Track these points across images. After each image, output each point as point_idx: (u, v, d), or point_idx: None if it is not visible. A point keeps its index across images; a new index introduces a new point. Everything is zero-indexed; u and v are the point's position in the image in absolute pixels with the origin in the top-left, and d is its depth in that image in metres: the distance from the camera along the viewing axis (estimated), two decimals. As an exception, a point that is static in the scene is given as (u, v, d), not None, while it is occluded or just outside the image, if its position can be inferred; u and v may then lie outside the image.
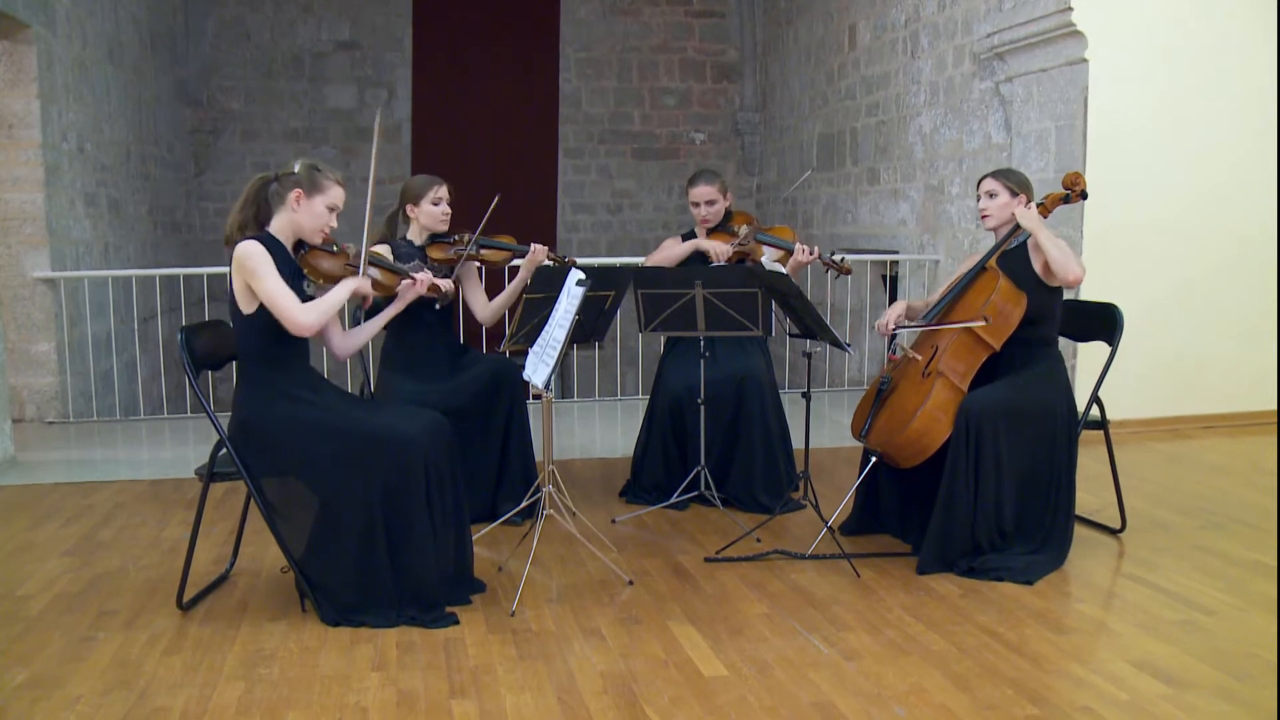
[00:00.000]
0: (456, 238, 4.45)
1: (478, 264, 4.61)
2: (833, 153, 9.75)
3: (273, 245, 3.38)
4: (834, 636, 3.26)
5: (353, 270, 3.54)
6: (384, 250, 4.28)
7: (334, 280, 3.49)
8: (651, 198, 12.38)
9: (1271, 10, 6.10)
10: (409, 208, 4.41)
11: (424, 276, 3.79)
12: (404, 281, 3.76)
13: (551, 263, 4.46)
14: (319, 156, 11.41)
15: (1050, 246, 3.82)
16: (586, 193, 12.32)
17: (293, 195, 3.40)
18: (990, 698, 2.84)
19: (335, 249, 3.55)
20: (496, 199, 4.38)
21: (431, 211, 4.39)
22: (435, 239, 4.45)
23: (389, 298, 3.86)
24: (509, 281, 4.56)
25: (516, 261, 4.53)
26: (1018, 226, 3.96)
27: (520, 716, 2.76)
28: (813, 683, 2.94)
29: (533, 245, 4.47)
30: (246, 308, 3.36)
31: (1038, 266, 3.91)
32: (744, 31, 11.97)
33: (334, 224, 3.50)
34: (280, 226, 3.44)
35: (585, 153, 12.27)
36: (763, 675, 2.99)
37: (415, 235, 4.44)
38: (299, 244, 3.50)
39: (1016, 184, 3.99)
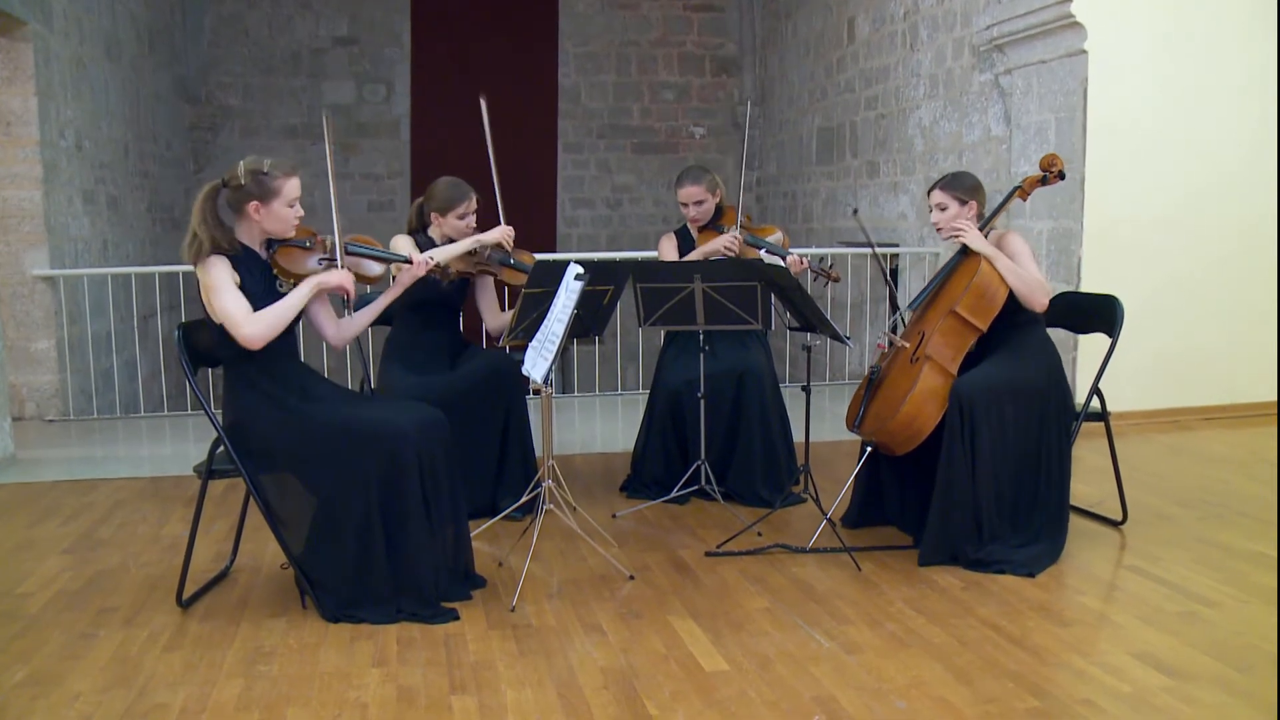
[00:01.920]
0: (476, 250, 4.45)
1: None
2: (832, 146, 9.74)
3: (242, 255, 3.37)
4: (835, 630, 3.25)
5: (328, 263, 3.50)
6: (405, 243, 4.29)
7: (304, 278, 3.45)
8: (651, 192, 12.37)
9: (1270, 2, 6.08)
10: (434, 215, 4.41)
11: (419, 257, 3.76)
12: (398, 266, 3.74)
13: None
14: (319, 153, 11.44)
15: (1011, 275, 3.83)
16: (586, 187, 12.31)
17: (250, 208, 3.35)
18: (991, 690, 2.83)
19: (308, 243, 3.50)
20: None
21: (456, 225, 4.41)
22: None
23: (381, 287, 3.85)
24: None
25: None
26: (988, 220, 3.98)
27: (521, 712, 2.76)
28: (814, 677, 2.93)
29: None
30: (215, 317, 3.34)
31: (1009, 252, 3.91)
32: (743, 25, 11.95)
33: (301, 213, 3.45)
34: (246, 232, 3.42)
35: (584, 147, 12.26)
36: (764, 670, 2.98)
37: (436, 236, 4.45)
38: (269, 242, 3.47)
39: (965, 191, 3.99)
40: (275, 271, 3.44)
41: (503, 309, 4.67)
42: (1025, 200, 4.11)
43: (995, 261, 3.83)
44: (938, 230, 4.06)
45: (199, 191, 3.35)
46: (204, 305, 3.34)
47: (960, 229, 3.94)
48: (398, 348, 4.45)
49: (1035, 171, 4.17)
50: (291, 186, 3.39)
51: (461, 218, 4.39)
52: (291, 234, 3.46)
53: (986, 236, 3.96)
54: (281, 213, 3.38)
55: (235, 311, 3.24)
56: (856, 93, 9.17)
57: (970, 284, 3.82)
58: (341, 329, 3.70)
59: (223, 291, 3.26)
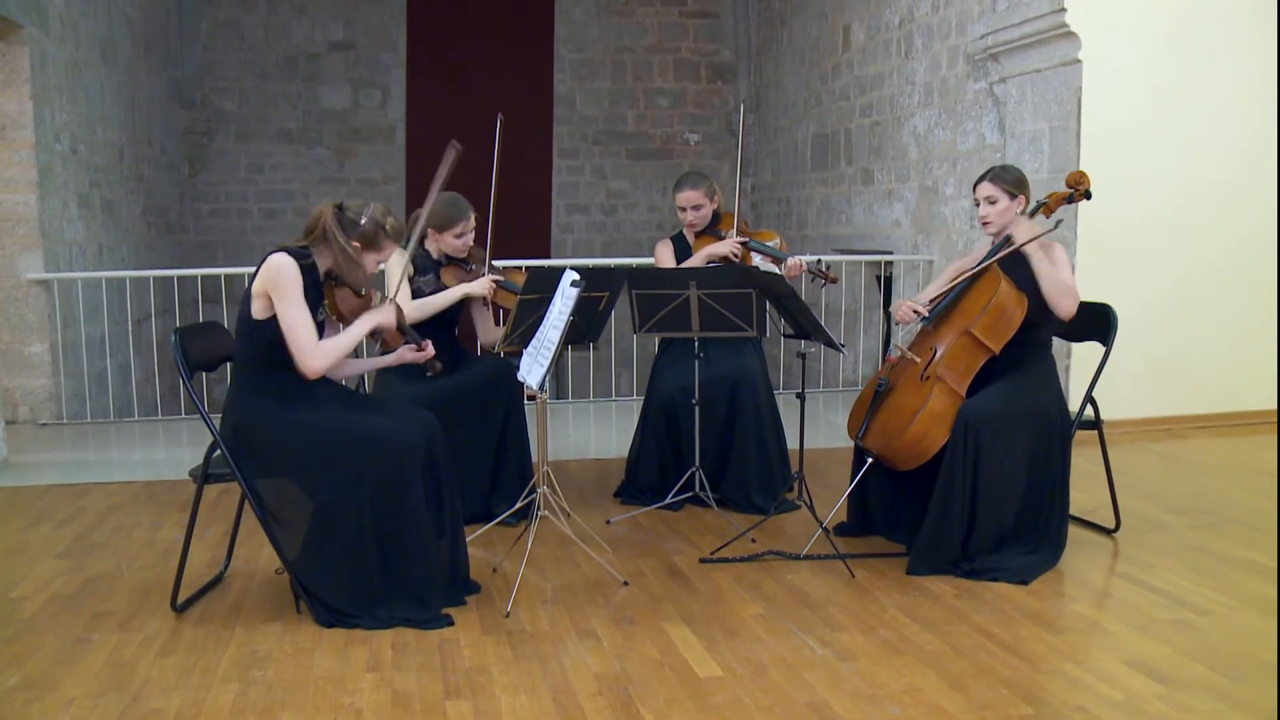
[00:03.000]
0: (473, 267, 4.45)
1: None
2: (827, 153, 9.76)
3: (306, 265, 3.39)
4: (829, 637, 3.26)
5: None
6: (398, 259, 4.30)
7: (343, 320, 3.50)
8: (646, 198, 12.38)
9: (1268, 11, 6.12)
10: (431, 231, 4.39)
11: (430, 350, 3.78)
12: (408, 344, 3.76)
13: None
14: (315, 158, 11.46)
15: (1046, 275, 3.80)
16: (581, 193, 12.33)
17: (352, 245, 3.39)
18: (985, 697, 2.84)
19: (363, 292, 3.54)
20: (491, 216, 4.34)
21: (454, 244, 4.40)
22: (450, 261, 4.46)
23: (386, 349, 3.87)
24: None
25: None
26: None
27: (515, 717, 2.76)
28: (808, 683, 2.94)
29: None
30: (260, 313, 3.34)
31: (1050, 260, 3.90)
32: (738, 32, 11.97)
33: (375, 270, 3.54)
34: (322, 253, 3.43)
35: (579, 153, 12.27)
36: (758, 676, 2.99)
37: (433, 251, 4.44)
38: (329, 273, 3.49)
39: (1014, 184, 3.94)
40: (326, 301, 3.47)
41: (496, 325, 4.65)
42: (1049, 217, 4.05)
43: (1032, 258, 3.80)
44: (984, 224, 4.00)
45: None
46: (250, 293, 3.35)
47: (1007, 223, 3.91)
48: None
49: (1061, 188, 4.10)
50: (390, 251, 3.51)
51: (459, 236, 4.38)
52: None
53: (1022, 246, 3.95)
54: (368, 265, 3.47)
55: (305, 337, 3.30)
56: (851, 100, 9.19)
57: (989, 304, 3.78)
58: (343, 365, 3.69)
59: (296, 304, 3.29)
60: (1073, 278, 3.87)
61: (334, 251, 3.39)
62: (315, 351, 3.31)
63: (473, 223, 4.42)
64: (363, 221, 3.39)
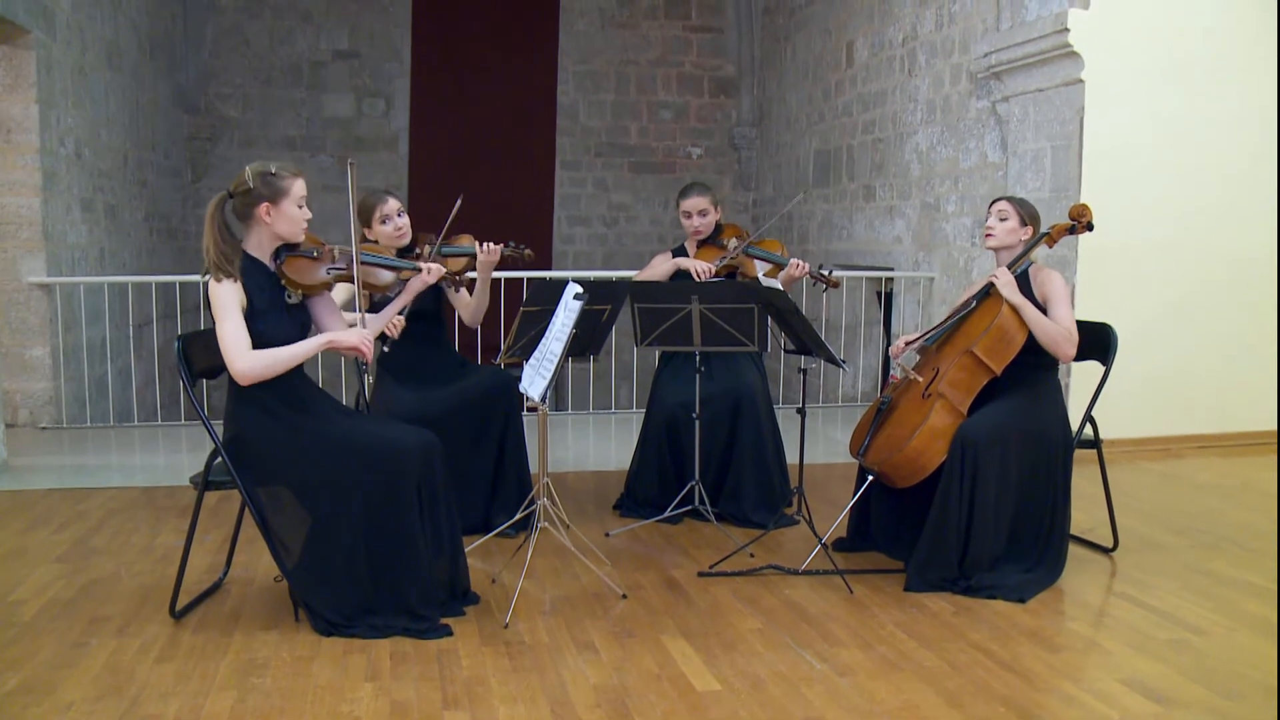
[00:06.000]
0: (418, 251, 4.35)
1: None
2: (829, 169, 9.79)
3: (249, 269, 3.35)
4: (827, 652, 3.26)
5: (339, 271, 3.48)
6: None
7: (314, 290, 3.46)
8: (648, 211, 12.40)
9: (1269, 32, 6.15)
10: (365, 231, 4.34)
11: (435, 267, 3.75)
12: (409, 274, 3.73)
13: (513, 259, 4.33)
14: (318, 165, 11.48)
15: (1038, 325, 3.82)
16: (583, 205, 12.35)
17: (260, 210, 3.33)
18: (982, 715, 2.84)
19: (316, 253, 3.48)
20: (459, 202, 4.22)
21: (384, 231, 4.31)
22: (401, 254, 4.33)
23: (387, 297, 3.83)
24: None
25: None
26: (1023, 254, 3.97)
27: (513, 729, 2.77)
28: (805, 698, 2.94)
29: (484, 246, 4.23)
30: None
31: (1039, 295, 3.93)
32: (742, 47, 12.01)
33: (309, 215, 3.44)
34: (255, 243, 3.40)
35: (582, 165, 12.29)
36: (755, 690, 2.99)
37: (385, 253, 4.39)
38: (277, 251, 3.44)
39: (1029, 215, 4.00)
40: (284, 282, 3.42)
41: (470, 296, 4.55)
42: (1051, 247, 4.11)
43: (1022, 311, 3.83)
44: (986, 235, 4.04)
45: (207, 204, 3.36)
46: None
47: (996, 275, 3.94)
48: (393, 366, 4.44)
49: (1060, 217, 4.15)
50: (299, 186, 3.39)
51: (384, 221, 4.30)
52: (302, 237, 3.44)
53: (1026, 270, 3.98)
54: (292, 213, 3.37)
55: (233, 344, 3.25)
56: (854, 116, 9.22)
57: (991, 325, 3.81)
58: (372, 322, 3.64)
59: (225, 318, 3.26)
60: (1071, 312, 3.89)
61: (255, 226, 3.36)
62: (242, 355, 3.25)
63: (393, 205, 4.32)
64: (252, 185, 3.31)
